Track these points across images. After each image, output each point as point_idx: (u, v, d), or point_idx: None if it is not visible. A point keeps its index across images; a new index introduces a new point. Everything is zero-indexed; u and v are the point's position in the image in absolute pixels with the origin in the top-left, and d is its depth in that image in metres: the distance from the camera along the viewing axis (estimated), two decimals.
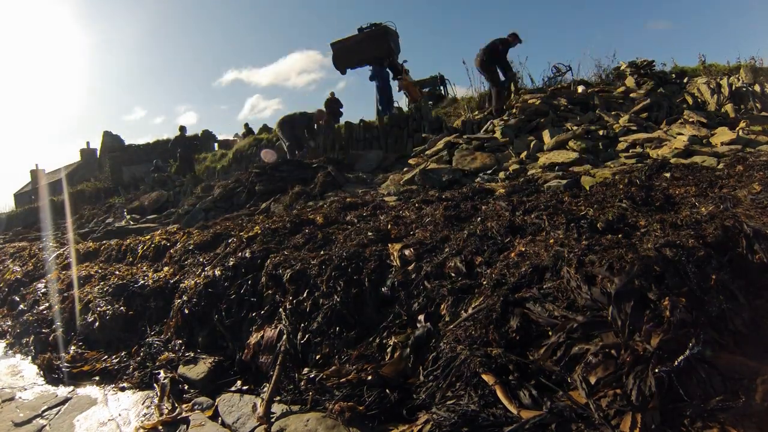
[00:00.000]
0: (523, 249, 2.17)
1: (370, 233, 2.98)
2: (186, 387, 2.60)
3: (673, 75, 8.15)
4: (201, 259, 3.66)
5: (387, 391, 1.87)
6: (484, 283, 2.04)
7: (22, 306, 4.59)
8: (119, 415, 2.47)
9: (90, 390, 2.86)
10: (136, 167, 15.39)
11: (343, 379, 2.01)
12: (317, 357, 2.27)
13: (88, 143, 23.40)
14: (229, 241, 3.74)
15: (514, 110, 7.41)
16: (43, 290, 4.71)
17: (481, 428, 1.51)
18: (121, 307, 3.53)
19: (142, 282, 3.74)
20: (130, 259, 4.77)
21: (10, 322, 4.38)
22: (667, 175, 3.81)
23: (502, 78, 7.96)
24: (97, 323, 3.48)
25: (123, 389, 2.77)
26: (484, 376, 1.64)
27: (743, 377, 1.41)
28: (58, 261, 5.44)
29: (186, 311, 3.04)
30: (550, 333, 1.69)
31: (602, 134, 6.02)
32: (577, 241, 2.11)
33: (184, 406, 2.42)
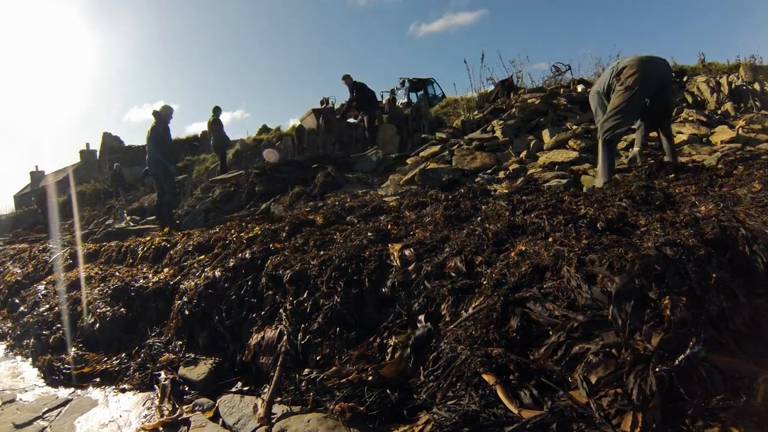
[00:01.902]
0: (523, 248, 2.17)
1: (370, 233, 2.98)
2: (186, 388, 2.60)
3: (673, 74, 8.16)
4: (201, 260, 3.66)
5: (387, 391, 1.87)
6: (485, 282, 2.04)
7: (22, 308, 4.59)
8: (120, 416, 2.47)
9: (91, 391, 2.86)
10: (137, 168, 15.39)
11: (344, 380, 2.00)
12: (318, 357, 2.27)
13: (87, 144, 23.38)
14: (229, 242, 3.75)
15: (514, 110, 7.42)
16: (43, 292, 4.71)
17: (481, 428, 1.50)
18: (122, 309, 3.53)
19: (142, 283, 3.74)
20: (131, 260, 4.77)
21: (10, 324, 4.38)
22: (671, 175, 3.81)
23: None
24: (97, 325, 3.48)
25: (124, 390, 2.77)
26: (484, 376, 1.64)
27: (744, 376, 1.41)
28: (59, 262, 5.44)
29: (186, 312, 3.04)
30: (550, 332, 1.69)
31: None
32: (577, 240, 2.11)
33: (184, 407, 2.42)
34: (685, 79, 7.89)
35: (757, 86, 6.85)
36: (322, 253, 2.83)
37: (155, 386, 2.67)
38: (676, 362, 1.41)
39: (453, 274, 2.21)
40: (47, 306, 4.25)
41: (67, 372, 3.09)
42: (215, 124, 10.92)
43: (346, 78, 9.28)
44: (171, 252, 4.28)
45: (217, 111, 10.84)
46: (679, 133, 5.63)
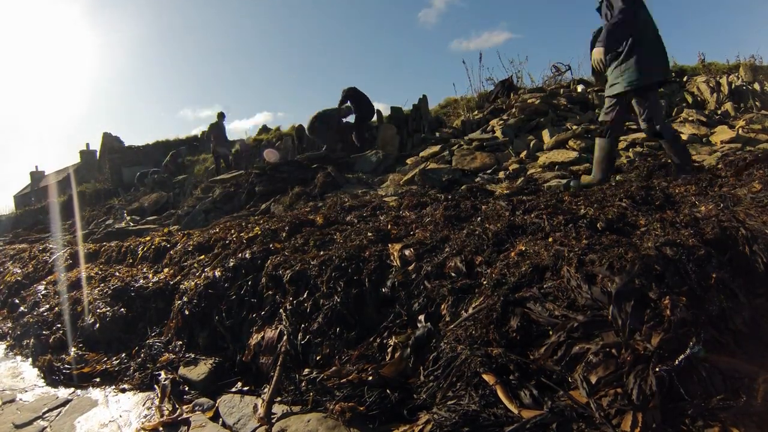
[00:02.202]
0: (523, 248, 2.17)
1: (370, 233, 2.98)
2: (186, 388, 2.60)
3: (673, 74, 8.16)
4: (201, 260, 3.66)
5: (387, 391, 1.87)
6: (485, 282, 2.04)
7: (22, 308, 4.59)
8: (120, 416, 2.47)
9: (91, 391, 2.86)
10: (136, 168, 15.39)
11: (344, 380, 2.01)
12: (318, 357, 2.27)
13: (87, 144, 23.34)
14: (229, 242, 3.75)
15: (513, 110, 7.42)
16: (43, 292, 4.71)
17: (481, 428, 1.50)
18: (122, 309, 3.53)
19: (142, 283, 3.74)
20: (131, 260, 4.77)
21: (10, 324, 4.38)
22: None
23: None
24: (97, 325, 3.48)
25: (124, 390, 2.77)
26: (484, 376, 1.64)
27: (744, 376, 1.41)
28: (59, 262, 5.44)
29: (186, 312, 3.04)
30: (550, 332, 1.69)
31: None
32: (577, 240, 2.11)
33: (184, 407, 2.42)
34: (685, 79, 7.89)
35: (757, 86, 6.85)
36: (322, 253, 2.83)
37: (155, 386, 2.67)
38: (676, 362, 1.41)
39: (453, 274, 2.21)
40: (47, 306, 4.25)
41: (67, 372, 3.09)
42: (218, 128, 11.07)
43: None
44: (171, 252, 4.28)
45: (221, 116, 11.11)
46: (680, 133, 5.63)
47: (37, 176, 30.17)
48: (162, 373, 2.75)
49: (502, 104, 8.24)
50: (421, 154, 6.96)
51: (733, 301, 1.63)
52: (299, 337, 2.39)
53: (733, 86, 6.96)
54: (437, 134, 7.74)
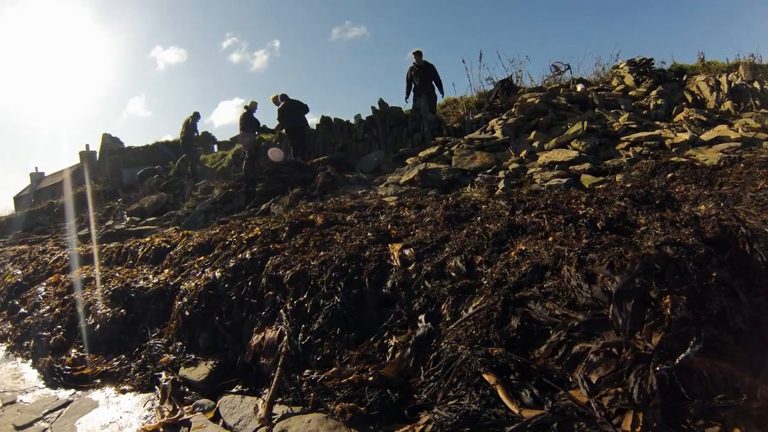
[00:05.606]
0: (524, 248, 2.17)
1: (370, 234, 2.98)
2: (187, 389, 2.60)
3: (672, 73, 8.16)
4: (201, 261, 3.66)
5: (388, 391, 1.87)
6: (485, 282, 2.04)
7: (22, 309, 4.59)
8: (121, 417, 2.47)
9: (91, 393, 2.86)
10: (136, 169, 15.37)
11: (344, 380, 2.01)
12: (318, 358, 2.27)
13: (87, 146, 23.25)
14: (229, 242, 3.74)
15: (513, 109, 7.42)
16: (43, 294, 4.71)
17: (482, 428, 1.50)
18: (122, 310, 3.53)
19: (142, 284, 3.74)
20: (131, 261, 4.76)
21: (10, 326, 4.38)
22: (668, 175, 3.81)
23: None
24: (98, 326, 3.48)
25: (124, 392, 2.77)
26: (485, 376, 1.63)
27: (745, 375, 1.41)
28: (58, 264, 5.44)
29: (186, 313, 3.04)
30: (551, 332, 1.69)
31: (602, 133, 6.02)
32: (577, 239, 2.11)
33: (185, 408, 2.42)
34: (684, 78, 7.88)
35: (756, 85, 6.85)
36: (322, 253, 2.83)
37: (156, 387, 2.67)
38: (677, 361, 1.41)
39: (453, 274, 2.21)
40: (47, 307, 4.25)
41: (67, 373, 3.09)
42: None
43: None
44: (171, 253, 4.28)
45: (253, 106, 10.18)
46: (680, 132, 5.63)
47: (36, 177, 30.08)
48: (162, 374, 2.75)
49: (502, 104, 8.24)
50: (421, 154, 6.96)
51: (733, 300, 1.63)
52: (299, 338, 2.39)
53: (732, 85, 6.96)
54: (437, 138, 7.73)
